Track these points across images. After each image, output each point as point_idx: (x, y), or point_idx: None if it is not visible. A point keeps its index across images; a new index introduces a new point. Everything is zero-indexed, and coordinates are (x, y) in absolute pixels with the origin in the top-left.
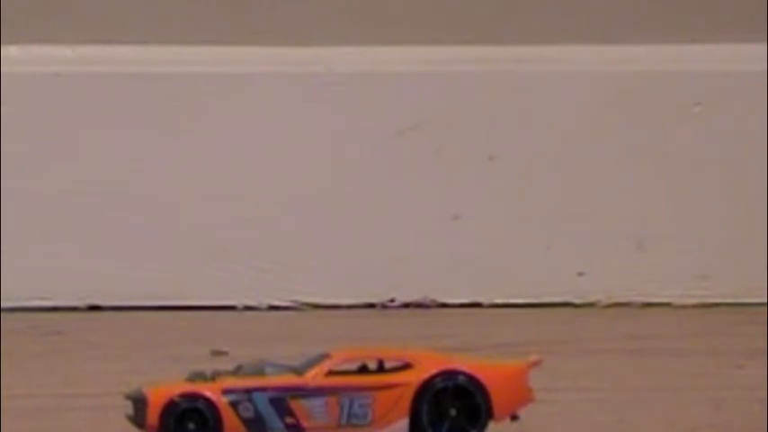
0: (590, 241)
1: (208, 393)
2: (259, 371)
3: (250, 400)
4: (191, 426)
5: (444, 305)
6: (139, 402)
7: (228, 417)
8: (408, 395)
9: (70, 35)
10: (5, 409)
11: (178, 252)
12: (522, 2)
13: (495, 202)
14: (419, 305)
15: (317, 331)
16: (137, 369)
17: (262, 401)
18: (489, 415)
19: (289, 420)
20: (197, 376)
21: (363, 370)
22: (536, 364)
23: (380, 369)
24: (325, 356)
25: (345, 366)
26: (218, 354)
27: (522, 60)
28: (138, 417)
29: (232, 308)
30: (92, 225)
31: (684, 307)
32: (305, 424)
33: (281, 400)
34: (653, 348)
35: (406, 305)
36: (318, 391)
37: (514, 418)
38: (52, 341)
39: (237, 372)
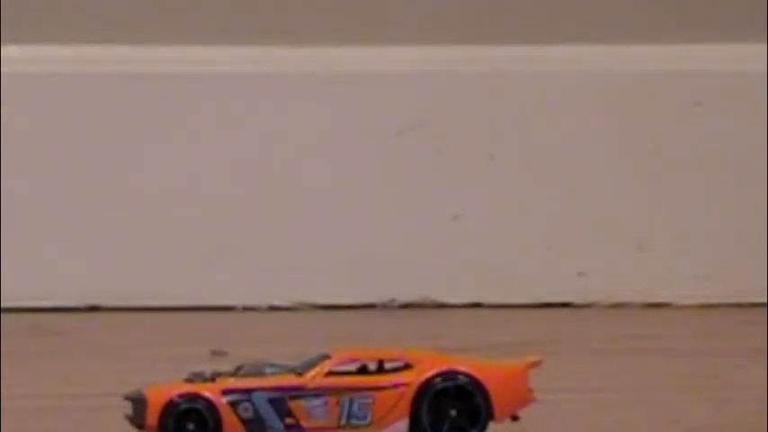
0: (590, 241)
1: (207, 394)
2: (259, 371)
3: (250, 401)
4: (190, 426)
5: (444, 305)
6: (139, 403)
7: (228, 417)
8: (408, 395)
9: (70, 35)
10: (5, 409)
11: (178, 252)
12: (522, 2)
13: (495, 202)
14: (419, 305)
15: (317, 331)
16: (137, 369)
17: (261, 402)
18: (489, 415)
19: (288, 421)
20: (196, 377)
21: (363, 370)
22: (536, 364)
23: (380, 369)
24: (325, 357)
25: (345, 367)
26: (217, 354)
27: (522, 60)
28: (137, 417)
29: (232, 308)
30: (91, 225)
31: (684, 307)
32: (305, 424)
33: (281, 401)
34: (653, 348)
35: (406, 305)
36: (318, 392)
37: (515, 418)
38: (52, 341)
39: (237, 372)
